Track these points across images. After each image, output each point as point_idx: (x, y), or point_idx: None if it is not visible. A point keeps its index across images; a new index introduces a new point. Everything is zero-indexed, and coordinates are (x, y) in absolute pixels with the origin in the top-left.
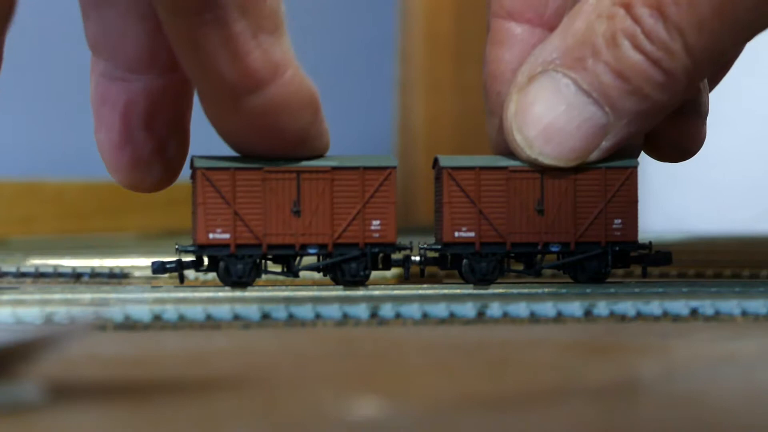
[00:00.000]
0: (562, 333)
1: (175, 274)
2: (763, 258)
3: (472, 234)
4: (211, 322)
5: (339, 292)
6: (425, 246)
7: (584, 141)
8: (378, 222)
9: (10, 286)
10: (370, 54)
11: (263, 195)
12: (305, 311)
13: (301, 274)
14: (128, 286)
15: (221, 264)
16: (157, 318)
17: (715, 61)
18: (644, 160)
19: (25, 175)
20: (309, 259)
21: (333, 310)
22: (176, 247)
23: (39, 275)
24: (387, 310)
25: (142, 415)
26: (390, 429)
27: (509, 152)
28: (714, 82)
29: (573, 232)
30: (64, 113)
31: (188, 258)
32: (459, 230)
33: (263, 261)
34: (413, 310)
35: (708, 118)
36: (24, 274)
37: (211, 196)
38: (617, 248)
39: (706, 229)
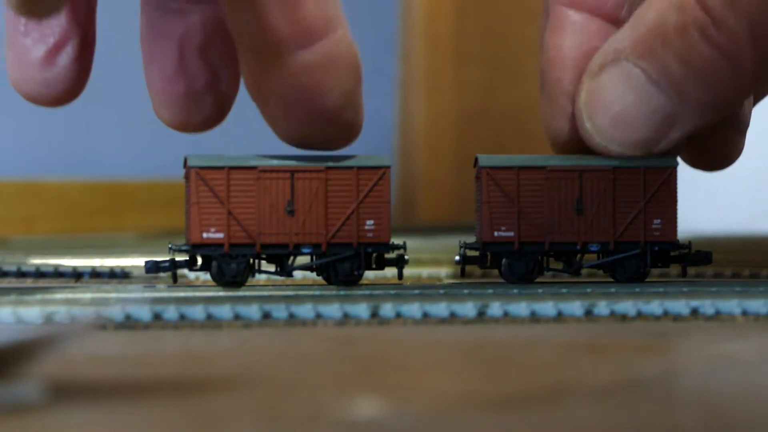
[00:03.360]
0: (562, 333)
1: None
2: (763, 257)
3: (511, 233)
4: (211, 322)
5: (339, 291)
6: (465, 245)
7: (653, 131)
8: (372, 222)
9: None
10: (370, 54)
11: (257, 194)
12: (306, 311)
13: (301, 273)
14: (129, 286)
15: (214, 264)
16: (157, 318)
17: None
18: None
19: (26, 175)
20: (303, 259)
21: (333, 310)
22: (169, 246)
23: (39, 275)
24: (387, 309)
25: (142, 414)
26: (390, 429)
27: (564, 138)
28: (765, 91)
29: (612, 232)
30: (65, 113)
31: (182, 257)
32: (498, 230)
33: (257, 261)
34: (414, 309)
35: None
36: (24, 274)
37: (205, 195)
38: (656, 248)
39: (706, 229)
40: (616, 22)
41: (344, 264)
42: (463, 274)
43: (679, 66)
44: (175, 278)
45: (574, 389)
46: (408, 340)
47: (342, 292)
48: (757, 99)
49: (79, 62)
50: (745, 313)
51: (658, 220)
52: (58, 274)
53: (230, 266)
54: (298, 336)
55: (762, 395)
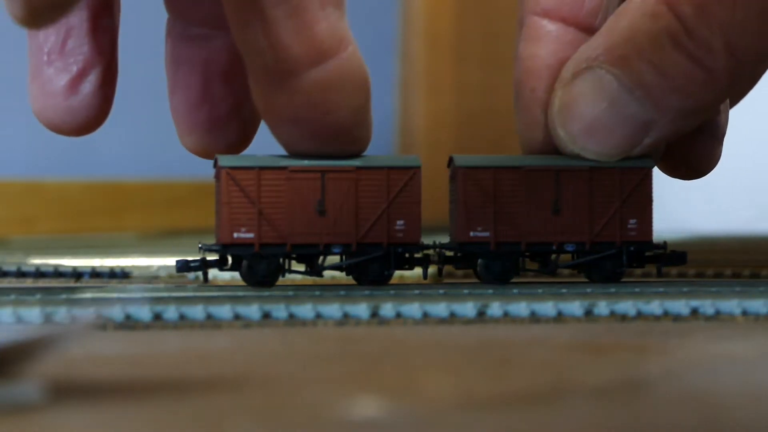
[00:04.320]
0: (562, 333)
1: (175, 274)
2: (763, 257)
3: (487, 234)
4: (211, 322)
5: (339, 291)
6: (441, 245)
7: (626, 138)
8: (402, 222)
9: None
10: (370, 54)
11: (288, 194)
12: (306, 311)
13: (300, 275)
14: (129, 286)
15: (244, 263)
16: (157, 318)
17: (761, 62)
18: None
19: (26, 174)
20: (332, 259)
21: (333, 310)
22: (200, 246)
23: (39, 275)
24: (387, 309)
25: (142, 415)
26: (390, 429)
27: (539, 149)
28: (740, 96)
29: (588, 232)
30: None
31: (211, 257)
32: (474, 230)
33: (287, 260)
34: (414, 309)
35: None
36: (24, 274)
37: (235, 195)
38: (632, 248)
39: (706, 229)
40: (591, 30)
41: (374, 264)
42: (440, 275)
43: (653, 74)
44: (206, 278)
45: (574, 389)
46: (408, 340)
47: (342, 292)
48: (732, 104)
49: (102, 90)
50: (745, 313)
51: (634, 220)
52: (58, 274)
53: (261, 266)
54: (298, 336)
55: (762, 395)
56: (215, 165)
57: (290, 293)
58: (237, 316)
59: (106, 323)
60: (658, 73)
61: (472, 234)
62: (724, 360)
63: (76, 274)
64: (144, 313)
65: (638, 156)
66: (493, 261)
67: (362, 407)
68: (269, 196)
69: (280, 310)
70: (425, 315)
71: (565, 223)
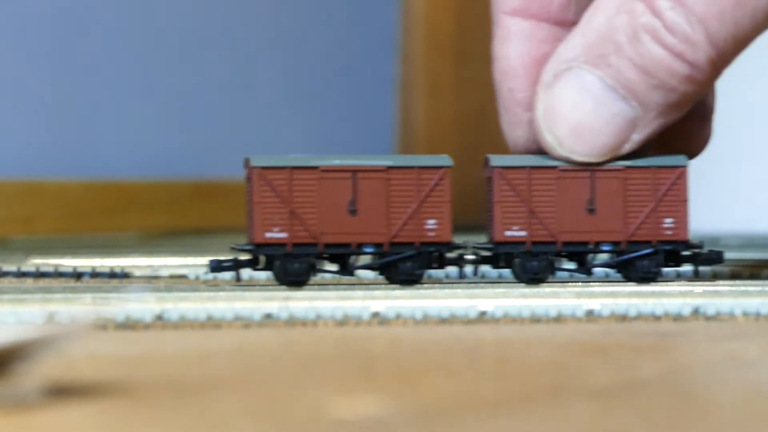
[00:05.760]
0: (562, 332)
1: (176, 273)
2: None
3: (523, 233)
4: (211, 322)
5: (339, 291)
6: (476, 245)
7: (614, 136)
8: (434, 221)
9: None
10: (370, 54)
11: (319, 194)
12: (306, 311)
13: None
14: (129, 286)
15: (277, 263)
16: (158, 318)
17: (738, 49)
18: None
19: (25, 174)
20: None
21: (333, 310)
22: (232, 246)
23: (40, 275)
24: (388, 309)
25: (142, 415)
26: (390, 429)
27: (524, 147)
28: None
29: (624, 232)
30: (65, 113)
31: (245, 257)
32: (510, 229)
33: (319, 260)
34: (413, 309)
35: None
36: (24, 274)
37: (267, 195)
38: (668, 247)
39: (707, 229)
40: (565, 23)
41: (406, 263)
42: (475, 274)
43: (634, 71)
44: (238, 277)
45: (574, 389)
46: (408, 340)
47: (341, 293)
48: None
49: None
50: (745, 313)
51: (670, 220)
52: (58, 274)
53: (293, 266)
54: (298, 336)
55: (762, 395)
56: (246, 165)
57: (290, 293)
58: (237, 316)
59: (106, 323)
60: (640, 70)
61: (507, 233)
62: (724, 360)
63: (77, 274)
64: (144, 313)
65: (672, 155)
66: (528, 261)
67: (362, 407)
68: (301, 195)
69: (280, 310)
70: (425, 315)
71: (601, 222)
